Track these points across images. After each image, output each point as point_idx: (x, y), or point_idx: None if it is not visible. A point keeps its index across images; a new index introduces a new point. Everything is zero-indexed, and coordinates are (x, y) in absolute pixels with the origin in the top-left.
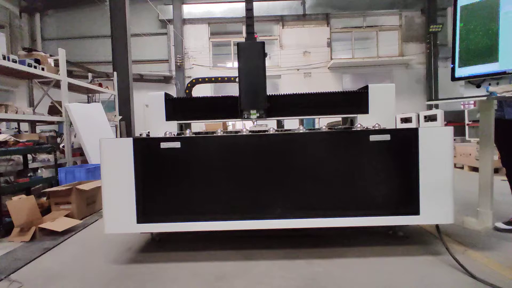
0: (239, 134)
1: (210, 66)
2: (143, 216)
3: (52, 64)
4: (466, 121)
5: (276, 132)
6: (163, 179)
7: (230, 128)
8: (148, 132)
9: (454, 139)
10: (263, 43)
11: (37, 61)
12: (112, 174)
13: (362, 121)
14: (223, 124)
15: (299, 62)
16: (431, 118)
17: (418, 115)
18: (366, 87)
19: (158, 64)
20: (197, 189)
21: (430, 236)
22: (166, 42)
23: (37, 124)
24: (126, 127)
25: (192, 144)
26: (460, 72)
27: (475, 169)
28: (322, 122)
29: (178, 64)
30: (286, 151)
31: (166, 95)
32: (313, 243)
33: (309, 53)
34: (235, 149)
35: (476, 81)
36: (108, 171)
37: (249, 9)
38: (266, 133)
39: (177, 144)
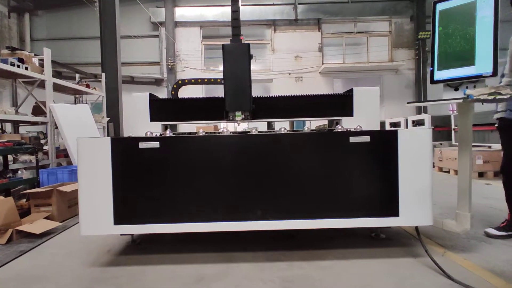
0: (219, 134)
1: (202, 69)
2: (120, 218)
3: (37, 64)
4: (453, 126)
5: (257, 133)
6: (142, 179)
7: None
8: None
9: (441, 143)
10: (248, 45)
11: (21, 60)
12: (89, 174)
13: (347, 124)
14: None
15: (291, 66)
16: (419, 123)
17: (407, 120)
18: (351, 90)
19: (149, 66)
20: (176, 190)
21: (412, 238)
22: (158, 44)
23: (21, 124)
24: (114, 128)
25: (172, 145)
26: (439, 75)
27: None
28: (313, 124)
29: (170, 66)
30: (268, 152)
31: (151, 95)
32: (295, 245)
33: (301, 58)
34: (215, 149)
35: (454, 84)
36: (85, 171)
37: (235, 11)
38: (247, 133)
39: (156, 144)
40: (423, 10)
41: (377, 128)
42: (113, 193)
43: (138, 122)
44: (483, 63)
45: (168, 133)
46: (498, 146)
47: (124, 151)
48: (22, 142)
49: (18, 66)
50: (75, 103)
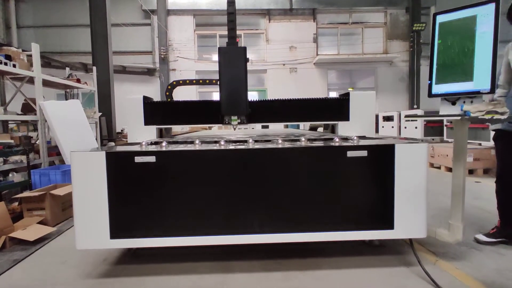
0: (216, 148)
1: (195, 59)
2: (116, 231)
3: (25, 60)
4: (445, 122)
5: (255, 147)
6: (138, 193)
7: (215, 128)
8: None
9: (433, 139)
10: (244, 48)
11: (8, 57)
12: (84, 188)
13: (343, 128)
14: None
15: (285, 57)
16: (412, 118)
17: (400, 114)
18: (347, 94)
19: (141, 55)
20: (173, 203)
21: (405, 245)
22: (150, 33)
23: (10, 121)
24: (107, 123)
25: (168, 158)
26: (437, 89)
27: (451, 170)
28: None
29: (162, 56)
30: (265, 165)
31: (145, 98)
32: (292, 253)
33: (295, 48)
34: (212, 163)
35: (451, 98)
36: (80, 185)
37: (231, 13)
38: (244, 148)
39: (152, 159)
40: (418, 1)
41: (373, 132)
42: (109, 207)
43: (133, 125)
44: (481, 79)
45: (164, 145)
46: (489, 144)
47: (120, 165)
48: (12, 144)
49: (6, 64)
50: (66, 97)
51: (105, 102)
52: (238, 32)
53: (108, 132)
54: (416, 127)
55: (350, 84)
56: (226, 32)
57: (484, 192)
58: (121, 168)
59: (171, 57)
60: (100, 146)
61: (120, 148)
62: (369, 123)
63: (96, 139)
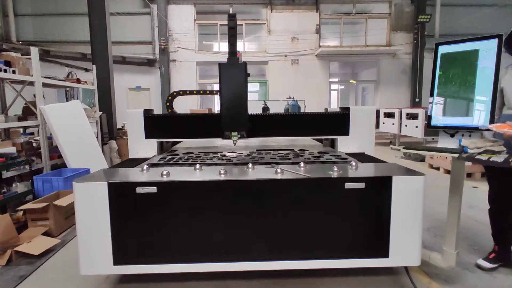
0: (215, 179)
1: (196, 50)
2: (119, 258)
3: (25, 64)
4: None
5: (254, 178)
6: (140, 221)
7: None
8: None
9: (433, 138)
10: (245, 64)
11: (8, 63)
12: (87, 217)
13: (343, 142)
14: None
15: (287, 48)
16: (413, 116)
17: (401, 112)
18: (348, 109)
19: (141, 46)
20: (174, 231)
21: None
22: (150, 22)
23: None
24: (107, 120)
25: (169, 188)
26: (436, 121)
27: (449, 172)
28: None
29: (162, 47)
30: (264, 195)
31: (146, 111)
32: (289, 274)
33: (297, 40)
34: (212, 193)
35: (450, 130)
36: (83, 214)
37: (232, 27)
38: (243, 179)
39: (153, 189)
40: None
41: (372, 149)
42: (112, 234)
43: (134, 139)
44: (480, 115)
45: (165, 173)
46: None
47: (122, 195)
48: (14, 155)
49: (5, 71)
50: (66, 94)
51: (105, 99)
52: (238, 22)
53: (108, 129)
54: (416, 126)
55: (352, 76)
56: (226, 22)
57: (480, 199)
58: (123, 198)
59: (171, 47)
60: (102, 145)
61: (121, 178)
62: (368, 138)
63: (97, 137)
